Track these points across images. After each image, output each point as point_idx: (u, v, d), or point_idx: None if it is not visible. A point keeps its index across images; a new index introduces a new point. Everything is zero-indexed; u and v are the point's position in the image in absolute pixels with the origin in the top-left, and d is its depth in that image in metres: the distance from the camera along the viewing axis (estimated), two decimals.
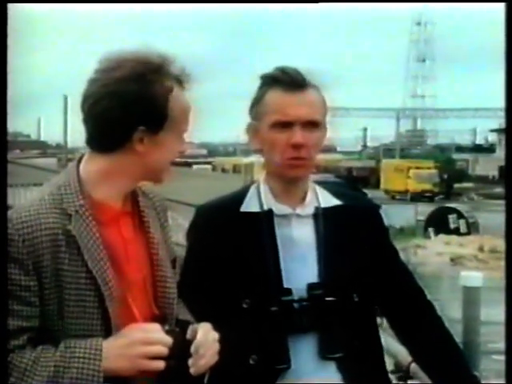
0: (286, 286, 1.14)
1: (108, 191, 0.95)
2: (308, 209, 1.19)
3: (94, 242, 0.92)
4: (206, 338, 0.93)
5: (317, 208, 1.19)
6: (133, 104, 0.93)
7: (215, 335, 0.95)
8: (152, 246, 1.00)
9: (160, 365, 0.89)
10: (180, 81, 0.96)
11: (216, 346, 0.95)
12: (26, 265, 0.89)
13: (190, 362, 0.90)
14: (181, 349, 0.90)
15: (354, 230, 1.19)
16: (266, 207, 1.18)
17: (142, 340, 0.89)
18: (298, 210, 1.18)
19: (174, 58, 0.96)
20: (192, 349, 0.91)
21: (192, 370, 0.91)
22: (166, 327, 0.91)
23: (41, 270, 0.89)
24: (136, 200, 1.01)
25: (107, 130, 0.93)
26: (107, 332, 0.91)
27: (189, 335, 0.91)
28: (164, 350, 0.89)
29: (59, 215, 0.91)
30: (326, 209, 1.19)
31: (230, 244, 1.17)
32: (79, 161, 0.97)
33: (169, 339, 0.89)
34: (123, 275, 0.94)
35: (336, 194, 1.22)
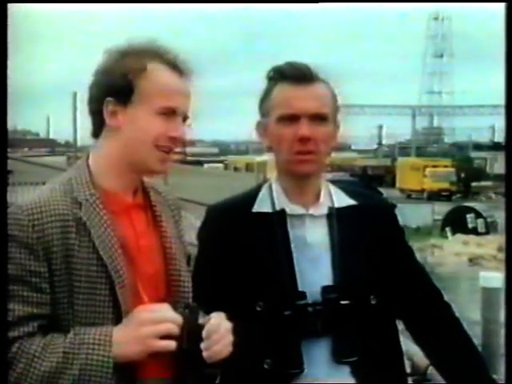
0: (300, 288, 1.11)
1: (116, 182, 0.96)
2: (321, 209, 1.16)
3: (105, 229, 0.92)
4: (218, 325, 0.93)
5: (330, 208, 1.17)
6: (101, 75, 0.96)
7: (228, 325, 0.94)
8: (165, 239, 1.00)
9: (171, 344, 0.87)
10: (173, 65, 0.96)
11: (229, 337, 0.94)
12: (36, 250, 0.88)
13: (203, 345, 0.89)
14: (192, 331, 0.89)
15: (368, 231, 1.17)
16: (278, 207, 1.16)
17: (151, 319, 0.88)
18: (312, 210, 1.16)
19: (170, 47, 0.97)
20: (204, 333, 0.90)
21: (205, 354, 0.90)
22: (180, 310, 0.90)
23: (51, 256, 0.89)
24: (147, 195, 1.01)
25: (90, 110, 0.97)
26: (118, 320, 0.90)
27: (201, 320, 0.91)
28: (174, 328, 0.88)
29: (70, 203, 0.92)
30: (340, 209, 1.17)
31: (242, 245, 1.15)
32: (88, 154, 0.99)
33: (178, 317, 0.88)
34: (134, 267, 0.93)
35: (350, 194, 1.20)
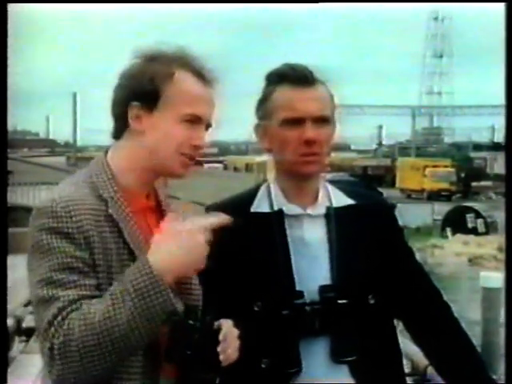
0: (297, 288, 1.11)
1: (134, 182, 0.97)
2: (320, 208, 1.16)
3: (132, 226, 0.93)
4: (230, 330, 0.94)
5: (329, 208, 1.17)
6: (128, 79, 0.96)
7: (237, 331, 0.96)
8: None
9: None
10: (199, 74, 0.97)
11: (237, 342, 0.95)
12: (78, 238, 0.88)
13: (220, 348, 0.90)
14: (210, 334, 0.90)
15: (367, 231, 1.16)
16: (276, 207, 1.16)
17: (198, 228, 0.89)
18: (310, 210, 1.16)
19: (198, 54, 0.98)
20: (220, 336, 0.91)
21: (221, 357, 0.91)
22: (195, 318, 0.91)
23: (91, 245, 0.89)
24: (158, 197, 1.02)
25: (114, 112, 0.98)
26: None
27: (215, 326, 0.92)
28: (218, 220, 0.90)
29: (97, 200, 0.92)
30: (338, 208, 1.17)
31: (240, 245, 1.15)
32: (106, 153, 0.99)
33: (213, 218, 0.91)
34: None
35: (349, 194, 1.20)
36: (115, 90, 0.97)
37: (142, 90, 0.94)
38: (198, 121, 0.96)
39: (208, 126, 0.99)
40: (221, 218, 0.93)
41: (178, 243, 0.88)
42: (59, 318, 0.85)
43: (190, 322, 0.89)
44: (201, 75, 0.97)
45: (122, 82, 0.97)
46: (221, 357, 0.90)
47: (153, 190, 1.01)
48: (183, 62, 0.97)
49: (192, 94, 0.96)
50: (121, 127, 0.97)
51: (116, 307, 0.84)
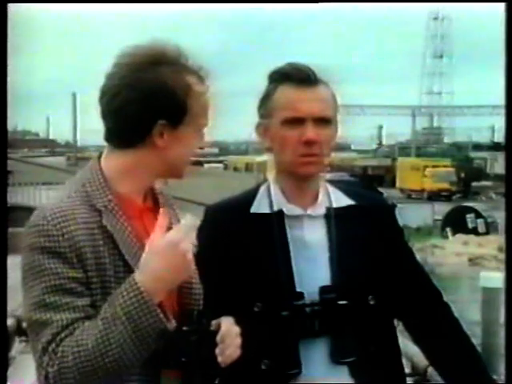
0: (297, 289, 1.11)
1: (131, 186, 0.95)
2: (320, 209, 1.16)
3: (128, 235, 0.92)
4: (230, 330, 0.93)
5: (329, 208, 1.16)
6: (152, 97, 0.91)
7: (237, 329, 0.95)
8: None
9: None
10: (199, 76, 0.95)
11: (238, 340, 0.94)
12: (70, 257, 0.87)
13: (218, 350, 0.90)
14: (207, 337, 0.89)
15: (367, 231, 1.16)
16: (276, 208, 1.16)
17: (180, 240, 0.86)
18: (310, 211, 1.16)
19: (189, 52, 0.95)
20: (218, 338, 0.90)
21: (220, 359, 0.90)
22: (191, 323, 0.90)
23: (84, 263, 0.88)
24: (155, 197, 1.00)
25: (127, 124, 0.92)
26: None
27: (213, 327, 0.91)
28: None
29: (90, 211, 0.90)
30: (338, 209, 1.17)
31: (240, 246, 1.15)
32: (99, 157, 0.96)
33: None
34: None
35: (349, 194, 1.20)
36: (130, 104, 0.90)
37: (168, 108, 0.91)
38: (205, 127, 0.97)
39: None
40: (194, 218, 0.89)
41: (163, 260, 0.87)
42: (53, 345, 0.84)
43: (184, 328, 0.89)
44: (203, 80, 0.95)
45: (138, 96, 0.90)
46: (219, 359, 0.89)
47: (150, 191, 1.00)
48: (192, 69, 0.94)
49: (206, 104, 0.95)
50: (132, 139, 0.93)
51: (108, 331, 0.84)
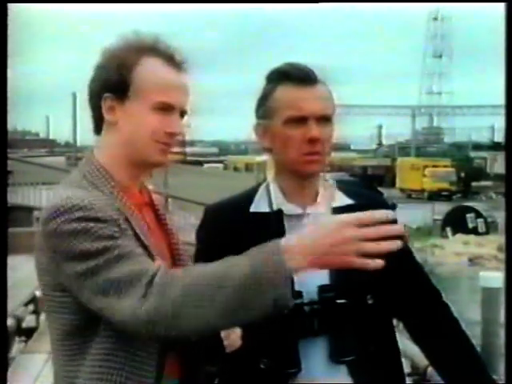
0: (296, 288, 1.11)
1: (123, 175, 0.96)
2: (319, 208, 1.16)
3: (137, 216, 0.93)
4: None
5: (328, 208, 1.16)
6: (99, 71, 0.96)
7: None
8: (172, 236, 1.00)
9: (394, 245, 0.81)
10: (170, 60, 0.95)
11: (238, 330, 0.95)
12: (119, 233, 0.87)
13: (223, 333, 0.90)
14: None
15: None
16: (275, 207, 1.16)
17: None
18: (309, 210, 1.16)
19: (161, 37, 0.96)
20: None
21: (226, 343, 0.91)
22: None
23: (128, 236, 0.88)
24: (150, 194, 1.02)
25: (90, 105, 0.97)
26: None
27: None
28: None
29: (101, 196, 0.91)
30: (338, 208, 1.17)
31: (240, 245, 1.15)
32: (93, 152, 0.98)
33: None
34: None
35: (349, 193, 1.20)
36: (89, 84, 0.96)
37: (111, 81, 0.93)
38: (170, 108, 0.94)
39: (183, 112, 0.97)
40: (368, 215, 0.83)
41: (323, 232, 0.81)
42: (161, 272, 0.81)
43: None
44: (171, 61, 0.95)
45: (95, 75, 0.96)
46: (225, 342, 0.90)
47: (144, 187, 1.01)
48: (150, 49, 0.95)
49: (161, 81, 0.93)
50: (99, 120, 0.96)
51: (232, 269, 0.81)
